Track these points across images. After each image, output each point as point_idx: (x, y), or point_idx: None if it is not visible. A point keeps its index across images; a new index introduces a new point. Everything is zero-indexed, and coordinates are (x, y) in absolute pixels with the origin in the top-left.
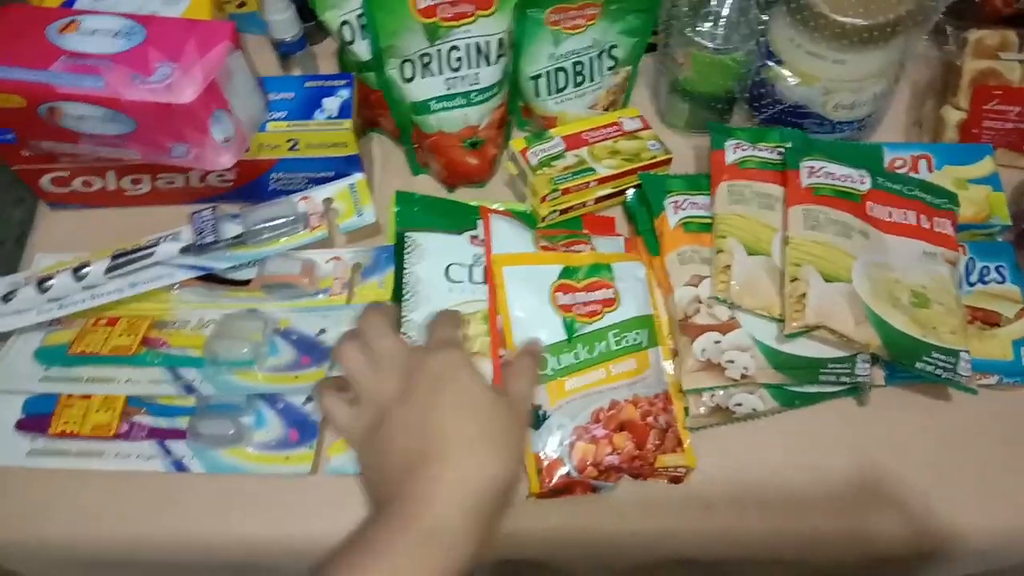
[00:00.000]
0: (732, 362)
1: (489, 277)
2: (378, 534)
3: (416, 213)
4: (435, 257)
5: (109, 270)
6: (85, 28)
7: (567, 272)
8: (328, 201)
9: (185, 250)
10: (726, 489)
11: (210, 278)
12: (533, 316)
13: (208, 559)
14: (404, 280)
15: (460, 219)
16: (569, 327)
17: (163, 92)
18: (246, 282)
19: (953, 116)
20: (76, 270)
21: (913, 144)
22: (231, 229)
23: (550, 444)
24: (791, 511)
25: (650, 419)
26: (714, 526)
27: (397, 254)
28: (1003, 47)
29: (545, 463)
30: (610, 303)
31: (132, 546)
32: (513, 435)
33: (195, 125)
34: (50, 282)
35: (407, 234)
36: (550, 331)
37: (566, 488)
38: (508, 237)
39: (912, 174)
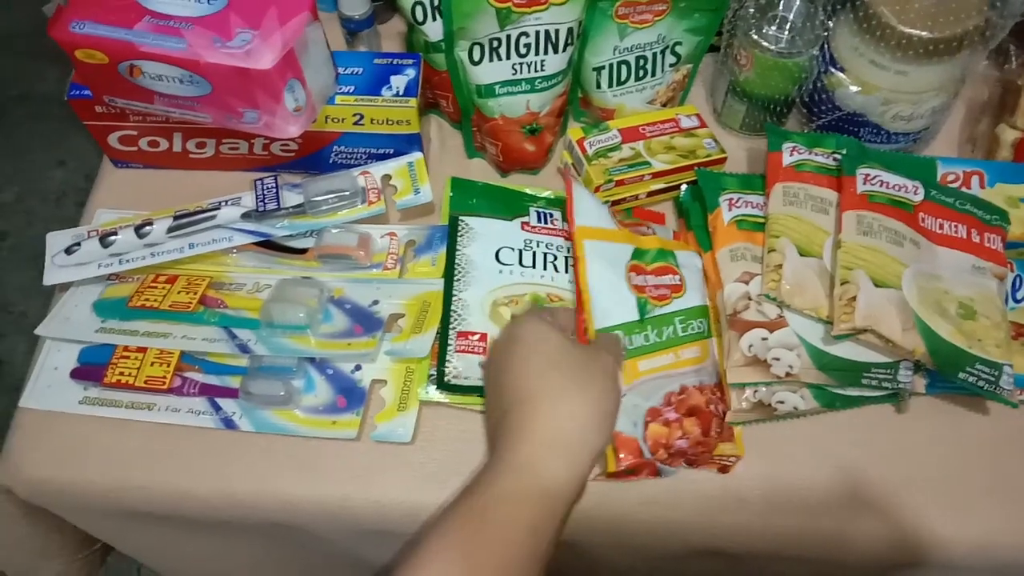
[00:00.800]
0: (778, 359)
1: (573, 247)
2: (485, 469)
3: (469, 199)
4: (486, 241)
5: (170, 230)
6: None
7: (637, 254)
8: (387, 178)
9: (246, 216)
10: (760, 485)
11: (268, 245)
12: (610, 291)
13: (249, 516)
14: (456, 261)
15: (512, 206)
16: (642, 307)
17: (242, 57)
18: (303, 251)
19: (1009, 135)
20: (138, 228)
21: (967, 160)
22: (292, 198)
23: (625, 423)
24: (821, 511)
25: (712, 407)
26: (746, 520)
27: (450, 236)
28: None
29: (620, 441)
30: (677, 289)
31: (175, 499)
32: (595, 384)
33: (270, 92)
34: (113, 238)
35: (460, 218)
36: (624, 309)
37: (635, 469)
38: (588, 206)
39: (964, 189)
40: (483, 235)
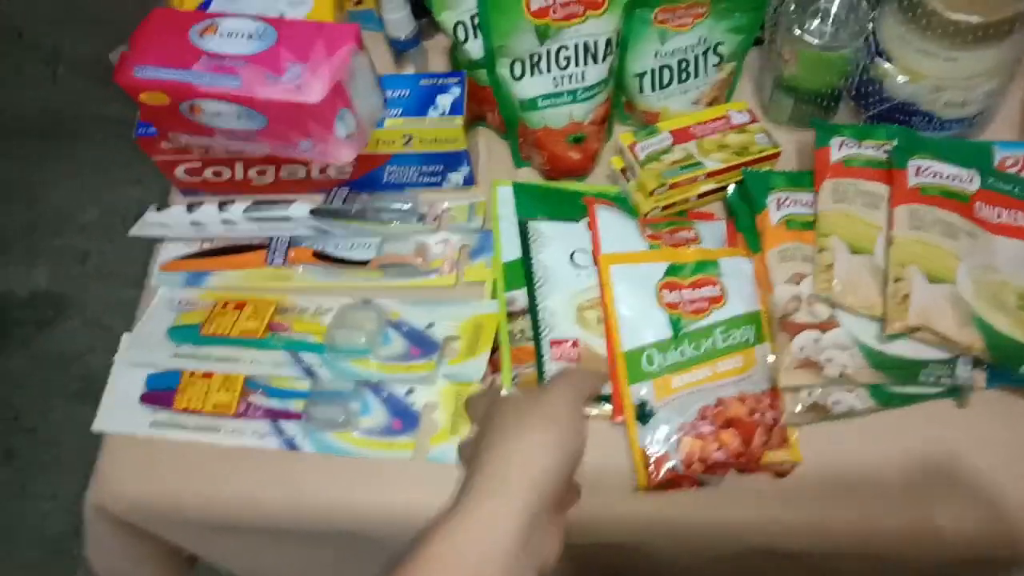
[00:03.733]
0: (831, 360)
1: (600, 274)
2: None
3: (533, 203)
4: (558, 244)
5: (247, 210)
6: (223, 30)
7: (673, 269)
8: (447, 208)
9: (314, 212)
10: (818, 484)
11: (330, 259)
12: (639, 314)
13: (317, 526)
14: (532, 269)
15: (576, 207)
16: (675, 324)
17: (294, 92)
18: (364, 262)
19: None
20: (221, 204)
21: None
22: (357, 204)
23: (656, 439)
24: (879, 508)
25: (757, 416)
26: (802, 519)
27: (523, 243)
28: None
29: (652, 458)
30: (717, 300)
31: (250, 512)
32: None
33: (321, 122)
34: (198, 208)
35: (529, 223)
36: (656, 328)
37: (672, 482)
38: (615, 228)
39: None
40: (554, 239)
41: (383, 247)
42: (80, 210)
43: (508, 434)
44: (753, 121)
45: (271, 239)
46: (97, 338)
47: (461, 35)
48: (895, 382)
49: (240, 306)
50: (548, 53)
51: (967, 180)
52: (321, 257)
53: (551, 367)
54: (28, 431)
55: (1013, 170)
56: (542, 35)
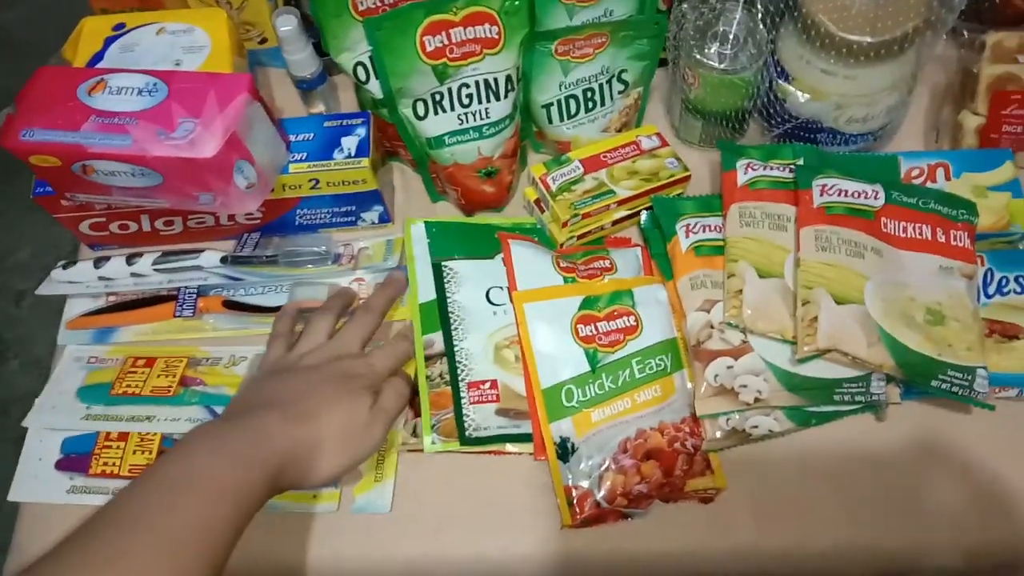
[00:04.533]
0: (745, 386)
1: (515, 312)
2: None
3: (447, 241)
4: (474, 284)
5: (156, 263)
6: (112, 86)
7: (587, 302)
8: (364, 248)
9: (223, 260)
10: (747, 506)
11: (241, 306)
12: (556, 350)
13: None
14: (449, 310)
15: (490, 243)
16: (592, 358)
17: (186, 147)
18: (276, 308)
19: (971, 122)
20: (128, 257)
21: (931, 152)
22: (269, 250)
23: (579, 476)
24: (808, 527)
25: (677, 444)
26: (734, 544)
27: (437, 285)
28: (1022, 50)
29: (576, 495)
30: (632, 330)
31: None
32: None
33: (219, 176)
34: (105, 263)
35: (444, 264)
36: (574, 364)
37: (597, 518)
38: (529, 263)
39: (929, 183)
40: (469, 278)
41: (295, 292)
42: (12, 250)
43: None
44: (663, 145)
45: (178, 290)
46: (37, 380)
47: (362, 75)
48: (810, 402)
49: (150, 363)
50: (450, 92)
51: (872, 196)
52: (231, 306)
53: (471, 412)
54: None
55: (919, 180)
56: (440, 75)
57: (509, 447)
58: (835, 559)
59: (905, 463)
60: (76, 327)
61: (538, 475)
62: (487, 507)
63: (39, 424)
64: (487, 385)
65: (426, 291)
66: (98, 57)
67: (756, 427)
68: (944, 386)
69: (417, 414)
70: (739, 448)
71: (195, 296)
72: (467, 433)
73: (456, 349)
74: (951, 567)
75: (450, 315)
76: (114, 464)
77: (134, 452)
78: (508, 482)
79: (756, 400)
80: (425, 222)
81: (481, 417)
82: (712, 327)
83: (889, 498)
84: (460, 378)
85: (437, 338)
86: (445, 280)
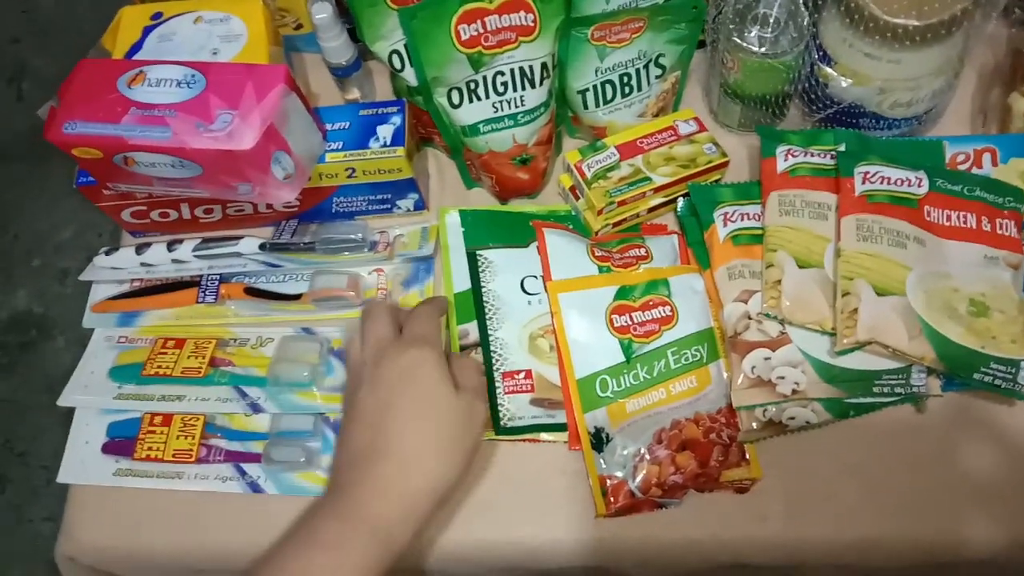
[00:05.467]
0: (783, 378)
1: (550, 302)
2: (328, 526)
3: (481, 229)
4: (508, 273)
5: (196, 249)
6: (151, 79)
7: (622, 292)
8: (399, 236)
9: (262, 246)
10: (781, 497)
11: (263, 294)
12: (590, 340)
13: None
14: (484, 299)
15: (525, 231)
16: (627, 348)
17: (225, 140)
18: (297, 296)
19: (1021, 104)
20: (169, 244)
21: (976, 137)
22: (306, 237)
23: (614, 466)
24: (844, 518)
25: (713, 435)
26: (768, 534)
27: (472, 274)
28: None
29: (610, 485)
30: (667, 320)
31: (213, 557)
32: (466, 439)
33: (257, 167)
34: (147, 249)
35: (478, 253)
36: (609, 354)
37: (631, 508)
38: (564, 252)
39: (975, 169)
40: (504, 267)
41: (315, 280)
42: (55, 229)
43: (437, 455)
44: (701, 130)
45: (202, 276)
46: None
47: (397, 64)
48: (849, 394)
49: (180, 344)
50: (484, 80)
51: (916, 183)
52: (253, 293)
53: (505, 402)
54: (19, 455)
55: (964, 166)
56: (476, 64)
57: (544, 436)
58: (870, 550)
59: (944, 455)
60: (101, 310)
61: (572, 463)
62: (520, 494)
63: (71, 403)
64: (521, 375)
65: (461, 281)
66: (137, 47)
67: (793, 418)
68: (987, 379)
69: None
70: (774, 439)
71: (218, 282)
72: (502, 423)
73: (491, 339)
74: (989, 560)
75: (485, 304)
76: (158, 449)
77: (177, 437)
78: (541, 470)
79: (794, 392)
80: (460, 211)
81: (516, 407)
82: (750, 318)
83: (927, 490)
84: (495, 368)
85: (472, 328)
86: (480, 269)
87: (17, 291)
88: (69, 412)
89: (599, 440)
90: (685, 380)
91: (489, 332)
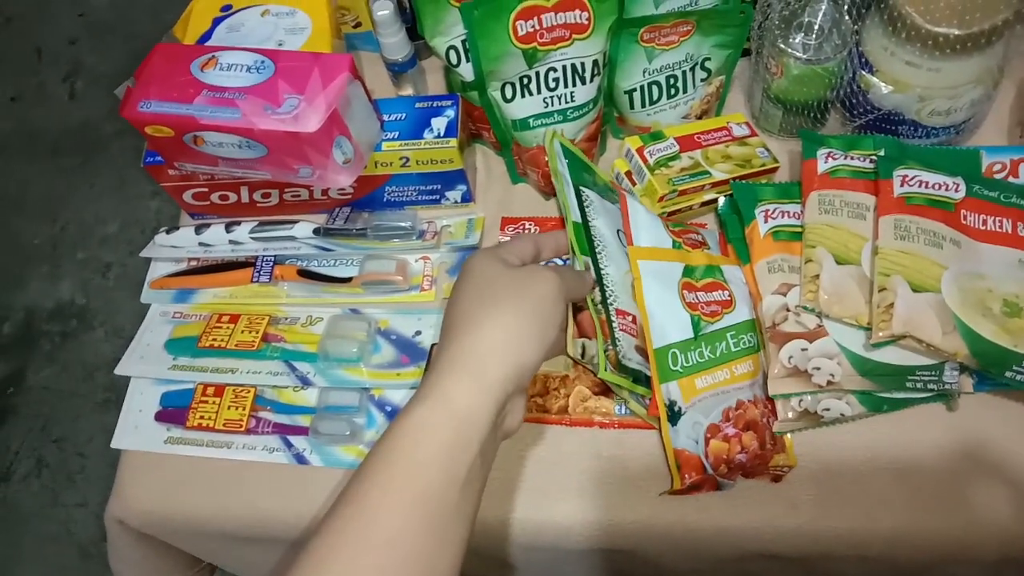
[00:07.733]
0: (819, 369)
1: (631, 266)
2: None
3: (578, 171)
4: (607, 216)
5: (252, 231)
6: (223, 63)
7: (687, 271)
8: (447, 226)
9: (316, 231)
10: (813, 488)
11: (315, 276)
12: (666, 310)
13: None
14: (592, 234)
15: (606, 188)
16: (696, 325)
17: (291, 122)
18: (347, 280)
19: None
20: (227, 225)
21: (1014, 147)
22: (359, 224)
23: (687, 440)
24: (875, 510)
25: (765, 419)
26: (799, 524)
27: (579, 208)
28: None
29: (681, 460)
30: (727, 304)
31: (265, 523)
32: (530, 298)
33: (319, 150)
34: (205, 230)
35: (582, 189)
36: (679, 327)
37: (700, 484)
38: (643, 218)
39: (1012, 179)
40: (602, 211)
41: (365, 264)
42: (101, 223)
43: (492, 317)
44: (752, 134)
45: (257, 257)
46: (120, 347)
47: (453, 59)
48: (883, 388)
49: (234, 319)
50: (537, 75)
51: (953, 188)
52: (305, 275)
53: (620, 336)
54: (57, 441)
55: (1001, 175)
56: (530, 59)
57: (639, 389)
58: (897, 543)
59: (974, 452)
60: (159, 287)
61: (608, 448)
62: (552, 475)
63: (127, 372)
64: (629, 318)
65: (574, 212)
66: (206, 36)
67: (828, 410)
68: (1019, 377)
69: (581, 333)
70: (809, 431)
71: (272, 264)
72: (621, 361)
73: (603, 273)
74: (1019, 555)
75: (594, 240)
76: (210, 418)
77: (229, 407)
78: (576, 452)
79: (829, 383)
80: (561, 143)
81: (627, 346)
82: (788, 310)
83: (957, 485)
84: (609, 302)
85: (588, 264)
86: (585, 204)
87: (62, 282)
88: (107, 401)
89: (673, 413)
90: (744, 363)
91: (601, 267)
